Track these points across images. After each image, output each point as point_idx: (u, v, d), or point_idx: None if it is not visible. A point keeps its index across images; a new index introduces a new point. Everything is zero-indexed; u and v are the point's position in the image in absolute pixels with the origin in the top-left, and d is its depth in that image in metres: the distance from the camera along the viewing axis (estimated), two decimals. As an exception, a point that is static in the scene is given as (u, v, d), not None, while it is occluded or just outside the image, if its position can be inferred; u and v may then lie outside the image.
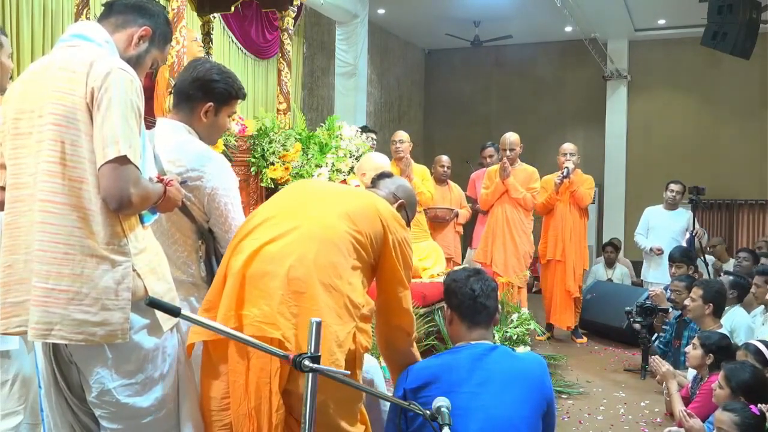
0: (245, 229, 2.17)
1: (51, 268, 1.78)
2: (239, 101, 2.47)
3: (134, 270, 1.86)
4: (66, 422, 1.98)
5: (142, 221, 1.94)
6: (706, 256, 7.06)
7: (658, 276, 6.69)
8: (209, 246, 2.33)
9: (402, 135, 6.01)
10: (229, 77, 2.41)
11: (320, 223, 2.11)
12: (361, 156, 5.20)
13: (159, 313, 1.89)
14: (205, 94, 2.36)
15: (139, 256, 1.89)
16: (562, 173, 6.43)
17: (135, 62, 2.01)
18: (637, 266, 7.95)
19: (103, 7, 2.06)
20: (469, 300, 2.32)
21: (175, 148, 2.28)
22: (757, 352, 3.65)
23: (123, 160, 1.78)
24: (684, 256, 5.97)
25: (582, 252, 6.67)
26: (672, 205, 6.84)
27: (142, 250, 1.91)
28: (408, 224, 2.45)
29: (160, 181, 2.00)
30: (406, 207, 2.50)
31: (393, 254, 2.20)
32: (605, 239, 10.53)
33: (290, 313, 1.94)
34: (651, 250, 6.76)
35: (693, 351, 4.00)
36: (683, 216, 6.83)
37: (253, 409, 1.94)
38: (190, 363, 2.09)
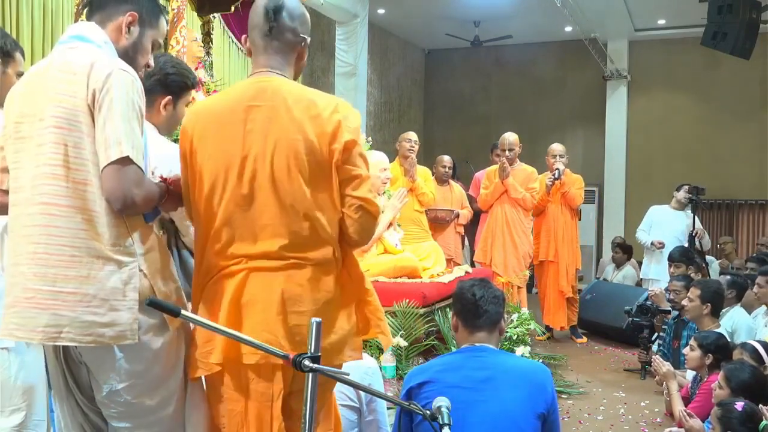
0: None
1: (58, 271, 1.78)
2: (193, 90, 2.50)
3: (141, 270, 1.86)
4: (76, 423, 1.98)
5: (145, 220, 1.93)
6: (707, 256, 7.05)
7: (659, 271, 6.67)
8: (170, 237, 2.32)
9: (416, 136, 6.11)
10: (183, 68, 2.44)
11: None
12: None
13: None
14: (163, 88, 2.37)
15: (145, 257, 1.88)
16: (554, 175, 6.44)
17: (134, 50, 1.98)
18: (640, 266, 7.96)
19: (84, 10, 2.03)
20: (470, 304, 2.34)
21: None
22: (754, 351, 3.65)
23: (126, 161, 1.78)
24: (683, 256, 5.97)
25: (574, 252, 6.69)
26: (683, 206, 6.83)
27: (149, 249, 1.90)
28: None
29: (163, 180, 1.99)
30: None
31: None
32: (605, 239, 10.54)
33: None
34: (652, 244, 6.76)
35: (691, 353, 3.99)
36: (687, 216, 6.83)
37: None
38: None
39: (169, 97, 2.39)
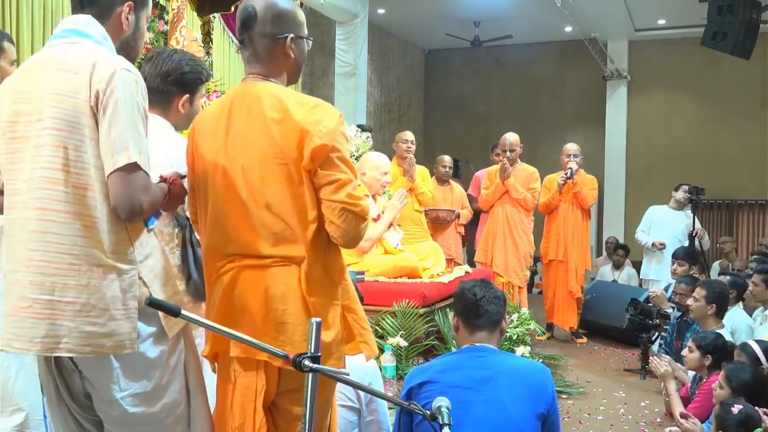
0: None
1: (56, 279, 1.71)
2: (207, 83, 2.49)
3: (140, 278, 1.81)
4: (69, 431, 1.94)
5: (146, 224, 1.89)
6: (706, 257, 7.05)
7: (660, 272, 6.66)
8: (185, 233, 2.30)
9: (412, 136, 6.12)
10: (197, 63, 2.41)
11: None
12: (360, 156, 5.21)
13: (164, 320, 1.86)
14: (181, 87, 2.35)
15: (144, 263, 1.84)
16: (566, 174, 6.41)
17: (135, 37, 1.95)
18: (636, 266, 7.95)
19: (72, 3, 1.93)
20: (471, 304, 2.35)
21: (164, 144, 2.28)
22: (752, 352, 3.65)
23: (133, 167, 1.73)
24: (687, 255, 5.95)
25: (584, 252, 6.65)
26: (682, 205, 6.82)
27: (147, 256, 1.86)
28: None
29: (164, 180, 1.95)
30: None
31: None
32: (605, 239, 10.52)
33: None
34: (653, 245, 6.75)
35: (690, 354, 3.98)
36: (686, 216, 6.82)
37: (237, 429, 1.94)
38: (199, 367, 2.07)
39: (187, 95, 2.38)
